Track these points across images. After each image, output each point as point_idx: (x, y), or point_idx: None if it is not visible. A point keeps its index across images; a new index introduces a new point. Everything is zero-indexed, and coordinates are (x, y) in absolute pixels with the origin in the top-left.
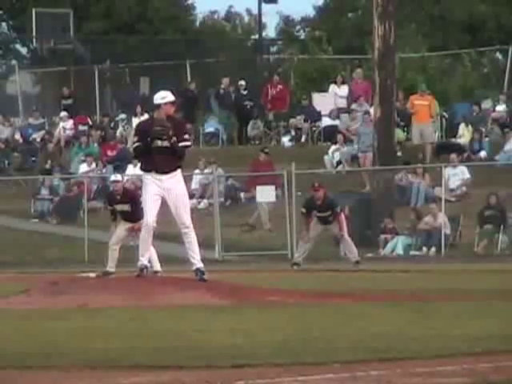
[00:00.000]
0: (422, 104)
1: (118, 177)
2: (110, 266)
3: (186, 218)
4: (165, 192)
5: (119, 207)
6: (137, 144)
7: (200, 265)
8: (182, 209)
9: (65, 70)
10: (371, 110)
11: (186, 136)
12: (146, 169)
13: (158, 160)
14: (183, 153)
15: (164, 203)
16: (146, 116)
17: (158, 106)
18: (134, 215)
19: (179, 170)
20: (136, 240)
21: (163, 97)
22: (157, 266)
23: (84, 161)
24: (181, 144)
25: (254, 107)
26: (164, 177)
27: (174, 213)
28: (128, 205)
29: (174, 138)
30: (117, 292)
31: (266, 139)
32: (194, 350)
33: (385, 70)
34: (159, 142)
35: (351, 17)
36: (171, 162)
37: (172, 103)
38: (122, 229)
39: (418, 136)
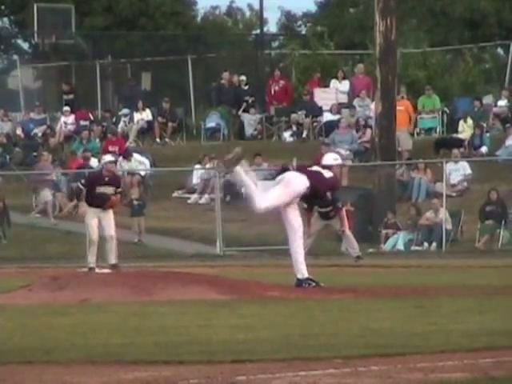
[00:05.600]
0: (399, 110)
1: (114, 158)
2: (91, 262)
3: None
4: None
5: (102, 189)
6: None
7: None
8: None
9: (66, 65)
10: (372, 106)
11: None
12: None
13: None
14: None
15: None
16: (147, 111)
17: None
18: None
19: None
20: (141, 236)
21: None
22: (112, 259)
23: (85, 156)
24: None
25: (255, 102)
26: None
27: None
28: (113, 188)
29: None
30: (118, 287)
31: (268, 134)
32: (195, 346)
33: (386, 65)
34: None
35: (353, 12)
36: None
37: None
38: (93, 219)
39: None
